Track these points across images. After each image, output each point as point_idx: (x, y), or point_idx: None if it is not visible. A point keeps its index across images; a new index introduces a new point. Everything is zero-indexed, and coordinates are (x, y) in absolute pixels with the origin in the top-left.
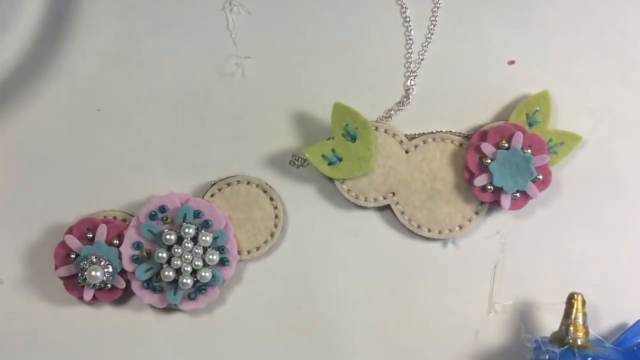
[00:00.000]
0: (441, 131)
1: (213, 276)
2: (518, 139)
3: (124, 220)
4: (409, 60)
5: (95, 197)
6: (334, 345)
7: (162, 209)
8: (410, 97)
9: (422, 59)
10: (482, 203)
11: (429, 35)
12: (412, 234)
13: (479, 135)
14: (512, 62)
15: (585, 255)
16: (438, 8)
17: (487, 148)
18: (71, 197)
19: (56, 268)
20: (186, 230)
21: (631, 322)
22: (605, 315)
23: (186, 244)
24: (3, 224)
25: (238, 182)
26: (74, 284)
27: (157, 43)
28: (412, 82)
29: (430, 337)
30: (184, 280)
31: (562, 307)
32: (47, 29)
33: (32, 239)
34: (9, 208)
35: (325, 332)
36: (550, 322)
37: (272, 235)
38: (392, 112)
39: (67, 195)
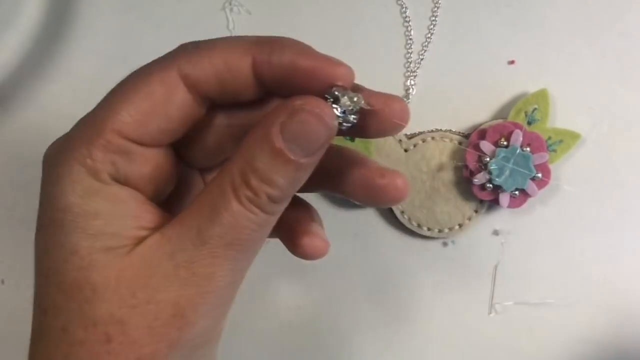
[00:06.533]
0: (440, 130)
1: None
2: (517, 137)
3: None
4: (409, 60)
5: None
6: (334, 345)
7: None
8: (410, 96)
9: (422, 59)
10: (481, 201)
11: (429, 35)
12: (412, 233)
13: (478, 133)
14: (511, 62)
15: (585, 255)
16: (438, 8)
17: (486, 146)
18: None
19: None
20: None
21: (631, 322)
22: (606, 315)
23: None
24: (3, 224)
25: None
26: None
27: (157, 43)
28: (412, 82)
29: (430, 337)
30: None
31: (562, 307)
32: (47, 29)
33: (32, 239)
34: (9, 208)
35: (325, 332)
36: (550, 322)
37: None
38: None
39: None
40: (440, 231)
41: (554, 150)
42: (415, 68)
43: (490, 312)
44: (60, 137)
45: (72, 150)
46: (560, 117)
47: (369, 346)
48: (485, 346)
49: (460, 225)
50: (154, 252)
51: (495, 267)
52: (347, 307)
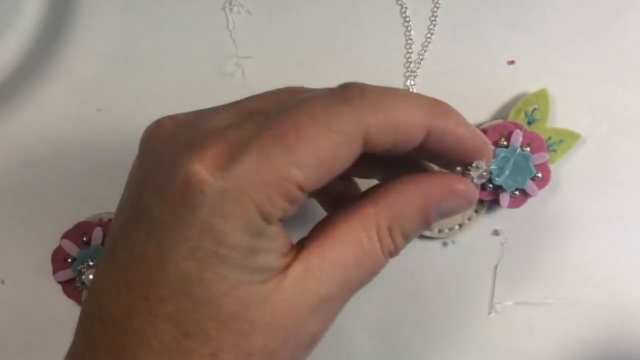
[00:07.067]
0: None
1: None
2: (517, 137)
3: None
4: (409, 60)
5: (95, 198)
6: (333, 345)
7: None
8: None
9: (422, 59)
10: (481, 201)
11: (429, 35)
12: None
13: None
14: (511, 62)
15: (585, 255)
16: (438, 8)
17: None
18: (71, 197)
19: (54, 273)
20: None
21: (631, 322)
22: (606, 315)
23: None
24: (3, 224)
25: None
26: (73, 288)
27: (157, 43)
28: (412, 82)
29: (430, 337)
30: None
31: (562, 307)
32: (47, 29)
33: (32, 239)
34: (9, 208)
35: (326, 332)
36: (551, 322)
37: None
38: None
39: (67, 195)
40: (440, 231)
41: (554, 150)
42: (415, 68)
43: (490, 312)
44: (214, 152)
45: (248, 190)
46: (560, 117)
47: (368, 346)
48: (485, 346)
49: (460, 225)
50: (301, 287)
51: (495, 267)
52: (346, 307)
